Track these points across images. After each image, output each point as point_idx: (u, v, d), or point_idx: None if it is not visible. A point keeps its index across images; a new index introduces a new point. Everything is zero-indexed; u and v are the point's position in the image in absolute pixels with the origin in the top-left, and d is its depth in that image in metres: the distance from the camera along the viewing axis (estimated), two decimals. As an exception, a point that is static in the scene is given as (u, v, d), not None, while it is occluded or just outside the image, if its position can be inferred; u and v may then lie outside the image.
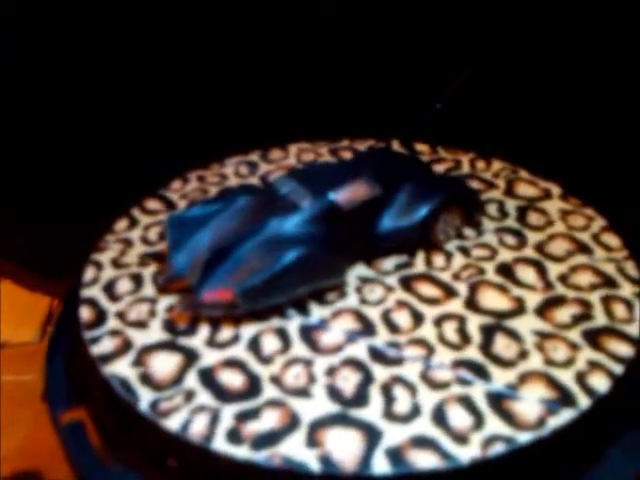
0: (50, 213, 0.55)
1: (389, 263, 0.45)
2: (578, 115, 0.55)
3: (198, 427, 0.34)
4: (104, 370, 0.38)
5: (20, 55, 0.49)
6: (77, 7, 0.49)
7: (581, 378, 0.36)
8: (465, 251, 0.45)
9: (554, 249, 0.45)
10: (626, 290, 0.42)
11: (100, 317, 0.41)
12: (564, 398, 0.35)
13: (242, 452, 0.33)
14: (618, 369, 0.37)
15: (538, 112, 0.56)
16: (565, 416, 0.34)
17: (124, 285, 0.44)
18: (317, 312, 0.41)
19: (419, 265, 0.44)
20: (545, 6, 0.51)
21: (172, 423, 0.35)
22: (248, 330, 0.40)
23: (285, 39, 0.53)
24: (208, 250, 0.39)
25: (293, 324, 0.40)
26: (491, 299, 0.42)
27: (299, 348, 0.39)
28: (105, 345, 0.39)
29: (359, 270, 0.44)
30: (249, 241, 0.40)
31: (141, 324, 0.41)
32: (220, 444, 0.34)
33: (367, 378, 0.37)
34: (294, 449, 0.33)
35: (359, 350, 0.39)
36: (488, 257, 0.45)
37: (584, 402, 0.35)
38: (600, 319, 0.40)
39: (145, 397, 0.36)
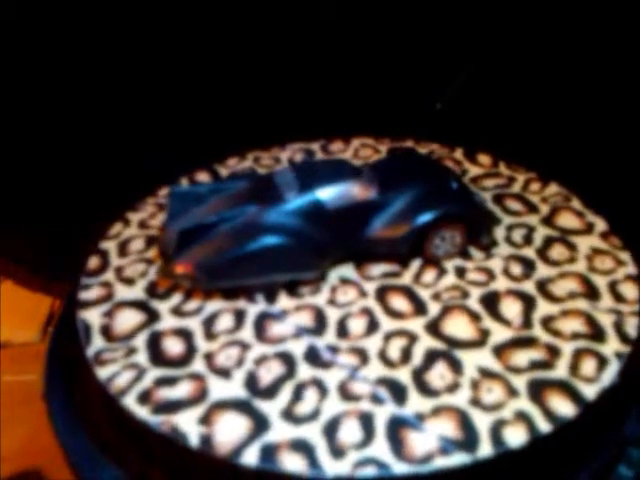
0: (51, 214, 0.58)
1: (377, 269, 0.44)
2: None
3: (120, 381, 0.38)
4: (78, 314, 0.42)
5: (20, 55, 0.51)
6: (78, 3, 0.52)
7: (497, 427, 0.34)
8: (461, 272, 0.44)
9: (557, 288, 0.42)
10: (610, 347, 0.38)
11: (102, 268, 0.46)
12: (466, 442, 0.34)
13: (142, 413, 0.36)
14: (545, 428, 0.34)
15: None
16: (455, 459, 0.33)
17: (137, 244, 0.48)
18: (283, 302, 0.42)
19: (406, 277, 0.44)
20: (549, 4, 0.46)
21: (102, 373, 0.38)
22: (212, 306, 0.42)
23: (290, 37, 0.53)
24: (184, 225, 0.42)
25: (254, 309, 0.42)
26: (456, 326, 0.40)
27: (246, 332, 0.40)
28: (91, 293, 0.44)
29: (344, 271, 0.44)
30: (227, 223, 0.42)
31: (130, 281, 0.45)
32: (129, 401, 0.37)
33: (288, 374, 0.38)
34: (186, 422, 0.35)
35: (298, 346, 0.39)
36: (481, 283, 0.43)
37: (485, 451, 0.33)
38: (560, 371, 0.37)
39: (95, 345, 0.40)
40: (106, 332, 0.41)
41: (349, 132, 0.58)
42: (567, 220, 0.48)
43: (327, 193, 0.42)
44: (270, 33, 0.53)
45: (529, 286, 0.42)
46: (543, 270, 0.43)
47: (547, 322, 0.40)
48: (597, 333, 0.39)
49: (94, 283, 0.45)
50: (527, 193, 0.50)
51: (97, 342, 0.40)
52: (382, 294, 0.42)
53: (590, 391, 0.36)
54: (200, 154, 0.55)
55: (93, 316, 0.42)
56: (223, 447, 0.34)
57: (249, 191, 0.44)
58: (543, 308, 0.41)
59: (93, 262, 0.46)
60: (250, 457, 0.33)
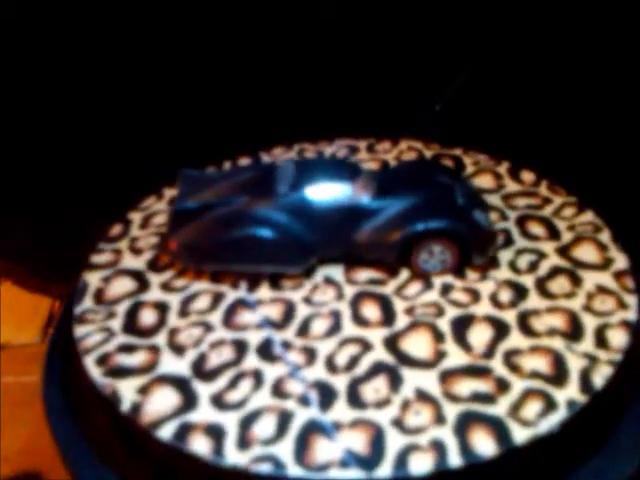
0: (51, 215, 0.58)
1: (365, 275, 0.44)
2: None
3: (88, 342, 0.41)
4: (82, 274, 0.46)
5: (20, 55, 0.52)
6: (78, 3, 0.52)
7: (407, 451, 0.33)
8: (446, 290, 0.42)
9: (539, 323, 0.40)
10: (565, 393, 0.36)
11: (120, 236, 0.49)
12: (369, 459, 0.33)
13: (95, 373, 0.39)
14: (455, 463, 0.33)
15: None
16: (350, 474, 0.33)
17: (160, 219, 0.51)
18: (262, 293, 0.43)
19: (390, 286, 0.43)
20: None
21: (78, 331, 0.42)
22: (197, 286, 0.44)
23: (289, 38, 0.52)
24: (181, 206, 0.44)
25: (233, 295, 0.43)
26: (414, 343, 0.39)
27: (215, 315, 0.42)
28: (101, 258, 0.47)
29: (333, 271, 0.44)
30: (220, 209, 0.44)
31: (138, 251, 0.48)
32: (89, 361, 0.40)
33: (235, 362, 0.39)
34: (126, 389, 0.38)
35: (255, 337, 0.40)
36: (462, 304, 0.41)
37: (383, 473, 0.33)
38: (499, 408, 0.35)
39: (84, 305, 0.44)
40: (98, 295, 0.44)
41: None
42: (585, 252, 0.44)
43: (316, 192, 0.42)
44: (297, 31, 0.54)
45: (510, 315, 0.40)
46: (534, 301, 0.41)
47: (510, 355, 0.38)
48: (558, 376, 0.36)
49: (107, 249, 0.48)
50: (556, 218, 0.47)
51: (86, 302, 0.44)
52: (357, 300, 0.42)
53: (520, 435, 0.33)
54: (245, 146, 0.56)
55: (94, 279, 0.46)
56: (147, 417, 0.36)
57: (248, 181, 0.45)
58: (513, 340, 0.39)
59: (115, 229, 0.50)
60: (164, 433, 0.35)
